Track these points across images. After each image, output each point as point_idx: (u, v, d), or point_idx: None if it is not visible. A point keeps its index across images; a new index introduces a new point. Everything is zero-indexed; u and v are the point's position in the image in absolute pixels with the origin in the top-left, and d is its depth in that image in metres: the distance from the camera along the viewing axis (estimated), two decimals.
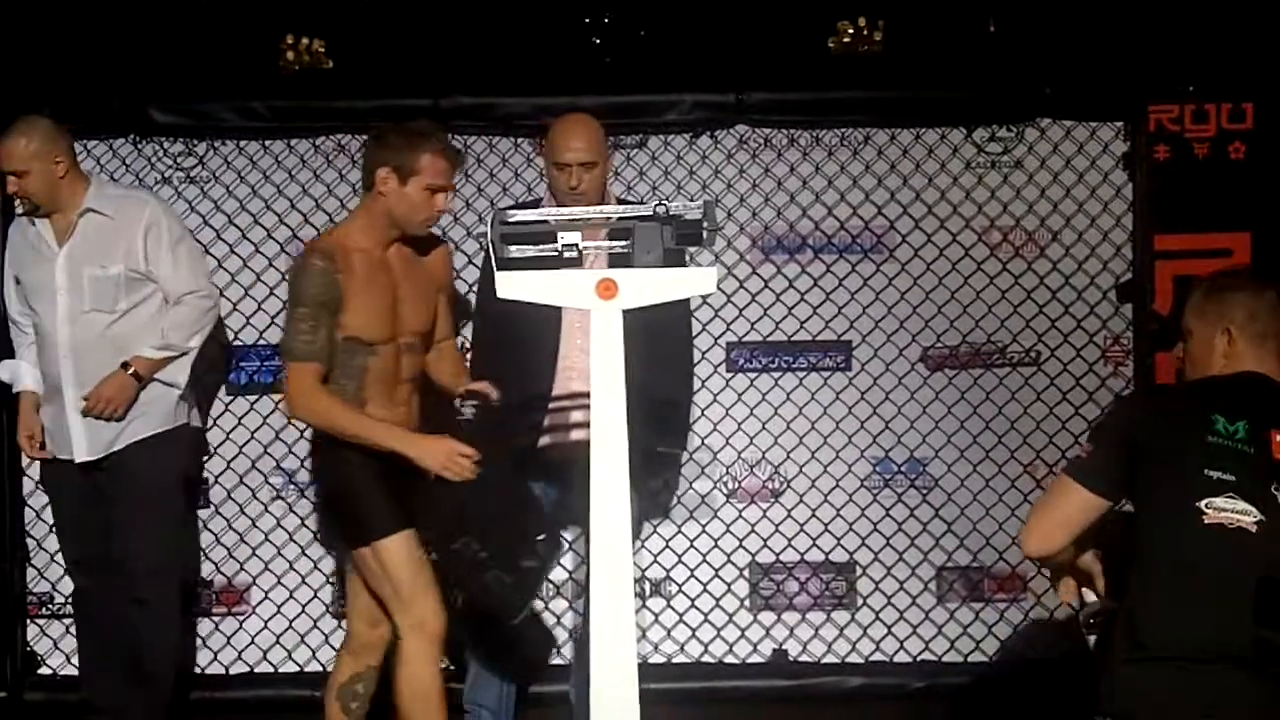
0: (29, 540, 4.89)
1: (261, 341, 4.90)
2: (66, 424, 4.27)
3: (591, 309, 3.12)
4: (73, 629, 4.75)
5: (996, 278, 4.89)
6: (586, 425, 3.15)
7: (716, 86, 4.82)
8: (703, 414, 4.86)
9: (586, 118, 4.18)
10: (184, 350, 4.31)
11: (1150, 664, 2.83)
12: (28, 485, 4.86)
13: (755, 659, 4.90)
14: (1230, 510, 2.82)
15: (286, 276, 4.83)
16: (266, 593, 4.91)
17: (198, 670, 4.89)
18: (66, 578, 4.65)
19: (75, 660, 4.74)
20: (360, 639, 3.89)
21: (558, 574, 4.76)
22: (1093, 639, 3.10)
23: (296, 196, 4.90)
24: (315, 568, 4.90)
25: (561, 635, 4.77)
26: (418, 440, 3.69)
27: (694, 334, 4.64)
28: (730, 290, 4.87)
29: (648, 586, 4.88)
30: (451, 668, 4.31)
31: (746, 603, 4.91)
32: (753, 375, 4.91)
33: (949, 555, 4.90)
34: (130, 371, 4.22)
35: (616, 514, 3.08)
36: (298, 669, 4.89)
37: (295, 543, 4.90)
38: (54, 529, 4.62)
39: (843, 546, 4.91)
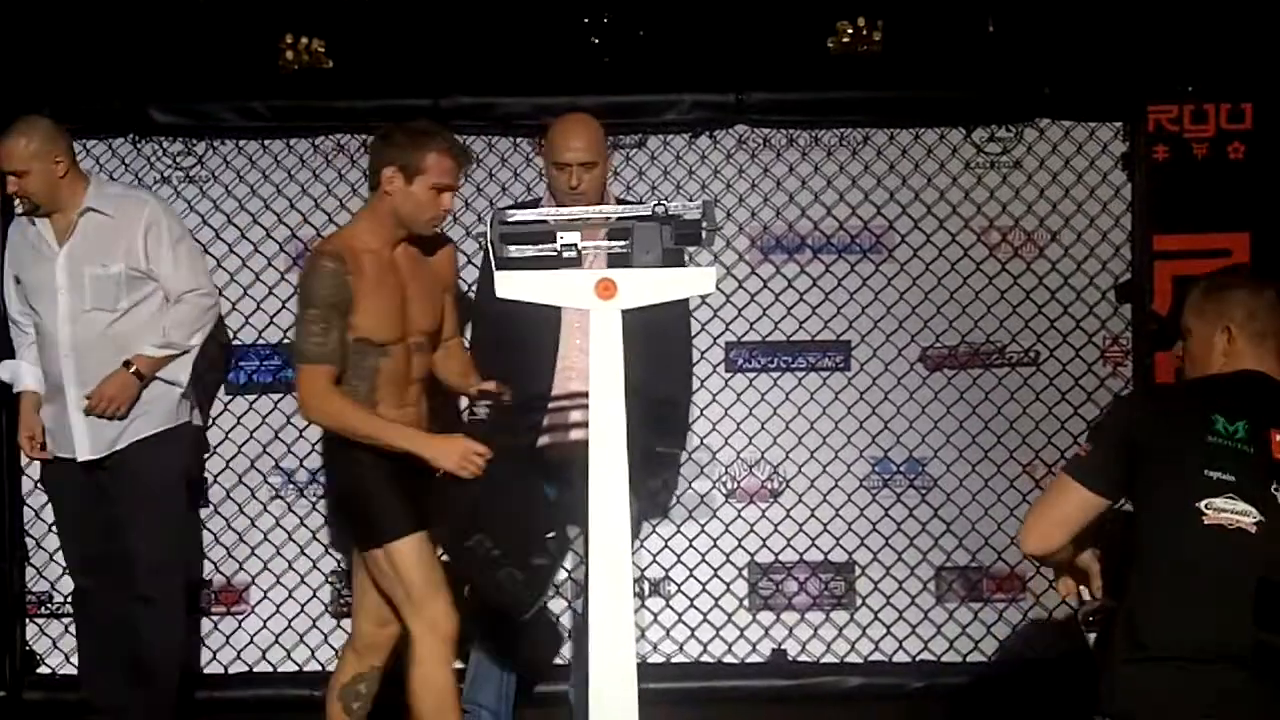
0: (28, 539, 4.89)
1: (260, 341, 4.90)
2: (69, 423, 4.27)
3: (590, 309, 3.12)
4: (71, 628, 4.75)
5: (995, 278, 4.89)
6: (585, 425, 3.15)
7: (715, 86, 4.82)
8: (701, 414, 4.87)
9: (587, 117, 4.18)
10: (185, 348, 4.31)
11: (1150, 664, 2.83)
12: (26, 484, 4.86)
13: (754, 659, 4.90)
14: (1230, 511, 2.82)
15: (286, 277, 4.87)
16: (265, 592, 4.91)
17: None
18: (65, 577, 4.66)
19: (74, 659, 4.74)
20: (365, 639, 3.88)
21: (557, 574, 4.75)
22: (1092, 636, 3.11)
23: (295, 196, 4.90)
24: (314, 567, 4.90)
25: (561, 635, 4.77)
26: (431, 440, 3.68)
27: (693, 334, 4.64)
28: (729, 290, 4.87)
29: (646, 586, 4.89)
30: (462, 667, 4.31)
31: (745, 602, 4.92)
32: (751, 375, 4.91)
33: (948, 555, 4.90)
34: (132, 370, 4.23)
35: (615, 514, 3.08)
36: (296, 668, 4.89)
37: (294, 542, 4.90)
38: (54, 528, 4.62)
39: (841, 546, 4.91)
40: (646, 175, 4.90)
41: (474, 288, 4.55)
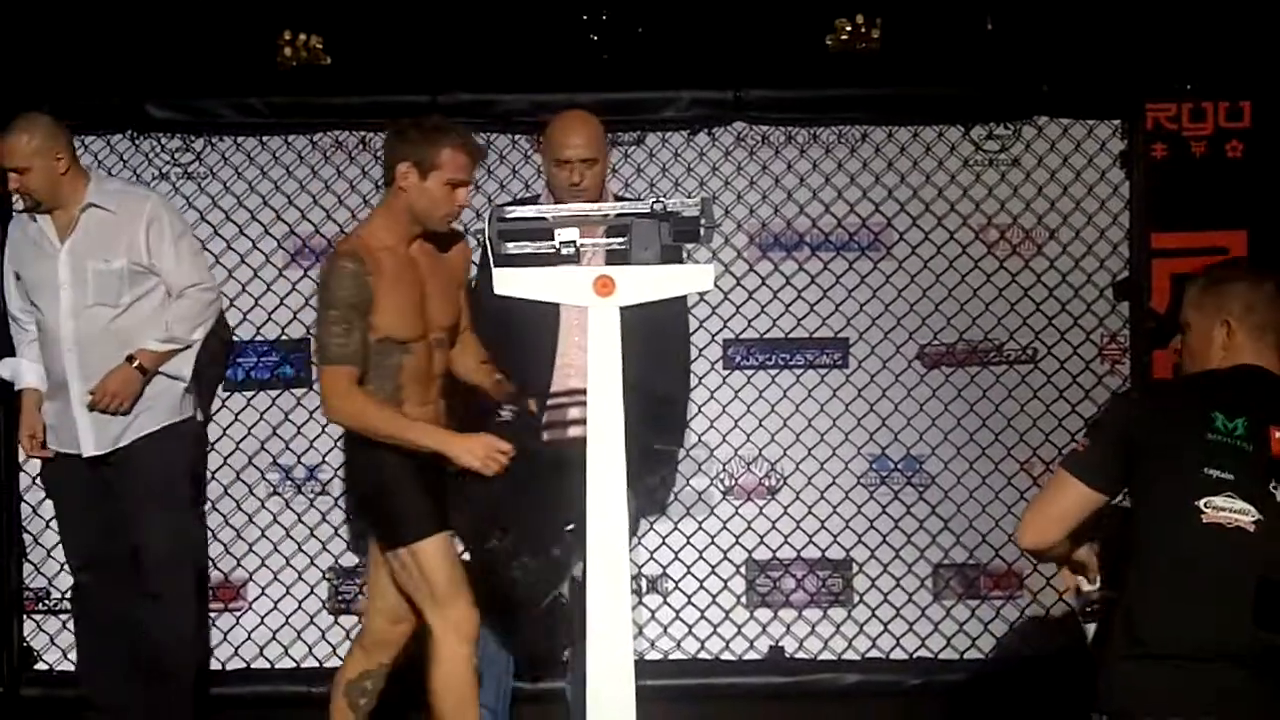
0: (25, 535, 4.89)
1: (259, 337, 4.90)
2: (73, 419, 4.26)
3: (589, 306, 3.12)
4: (69, 625, 4.75)
5: (993, 275, 4.90)
6: (584, 422, 3.15)
7: (714, 83, 4.83)
8: (700, 411, 4.87)
9: (586, 114, 4.18)
10: (188, 343, 4.31)
11: (1149, 661, 2.83)
12: (24, 480, 4.86)
13: (751, 656, 4.91)
14: (1229, 509, 2.82)
15: (284, 273, 4.87)
16: (262, 589, 4.91)
17: None
18: (63, 573, 4.66)
19: (72, 656, 4.74)
20: (375, 635, 3.88)
21: (575, 566, 4.75)
22: (1090, 628, 3.11)
23: (293, 193, 4.90)
24: (311, 564, 4.90)
25: (559, 632, 4.76)
26: (455, 438, 3.67)
27: (691, 331, 4.64)
28: (727, 287, 4.87)
29: (644, 583, 4.89)
30: None
31: (743, 599, 4.92)
32: (750, 372, 4.92)
33: (945, 552, 4.90)
34: (135, 365, 4.22)
35: (613, 511, 3.08)
36: (294, 665, 4.90)
37: (291, 539, 4.90)
38: (54, 524, 4.61)
39: (839, 543, 4.91)
40: (645, 172, 4.90)
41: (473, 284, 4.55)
